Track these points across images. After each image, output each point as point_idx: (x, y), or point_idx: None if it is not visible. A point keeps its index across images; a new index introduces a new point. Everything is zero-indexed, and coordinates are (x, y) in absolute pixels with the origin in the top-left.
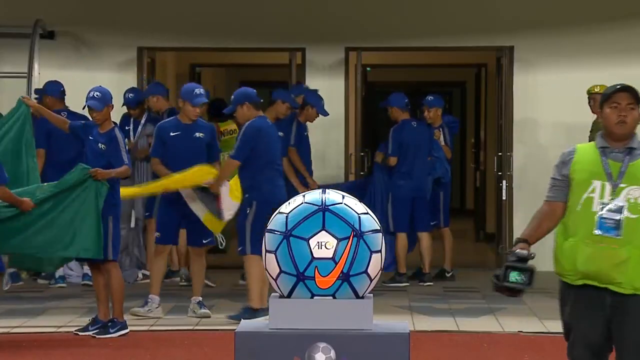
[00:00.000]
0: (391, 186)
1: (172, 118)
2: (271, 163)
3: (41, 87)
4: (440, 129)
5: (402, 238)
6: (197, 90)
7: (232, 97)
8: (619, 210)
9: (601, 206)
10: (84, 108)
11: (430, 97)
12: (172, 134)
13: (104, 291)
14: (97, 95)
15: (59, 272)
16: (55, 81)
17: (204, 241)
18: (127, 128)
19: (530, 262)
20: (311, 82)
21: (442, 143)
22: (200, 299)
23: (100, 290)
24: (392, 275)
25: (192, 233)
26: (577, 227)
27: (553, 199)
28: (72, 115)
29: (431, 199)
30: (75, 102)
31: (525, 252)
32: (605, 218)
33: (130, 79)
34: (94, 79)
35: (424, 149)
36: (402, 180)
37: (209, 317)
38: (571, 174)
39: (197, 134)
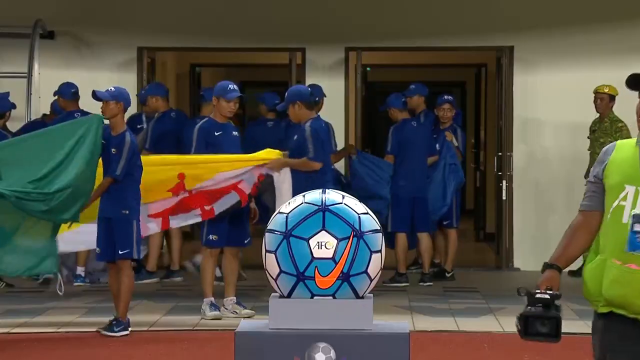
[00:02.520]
0: (391, 186)
1: (206, 119)
2: (323, 166)
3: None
4: (453, 131)
5: (401, 238)
6: (230, 86)
7: (286, 95)
8: None
9: (633, 218)
10: (93, 96)
11: (451, 97)
12: (216, 133)
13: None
14: (111, 89)
15: (78, 270)
16: (69, 82)
17: (245, 241)
18: (138, 127)
19: (556, 304)
20: (311, 82)
21: (455, 144)
22: (236, 298)
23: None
24: (392, 275)
25: (235, 232)
26: (605, 242)
27: (587, 207)
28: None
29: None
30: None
31: (547, 295)
32: (637, 232)
33: (130, 79)
34: (94, 79)
35: (424, 149)
36: (403, 180)
37: (253, 315)
38: (604, 177)
39: (235, 133)
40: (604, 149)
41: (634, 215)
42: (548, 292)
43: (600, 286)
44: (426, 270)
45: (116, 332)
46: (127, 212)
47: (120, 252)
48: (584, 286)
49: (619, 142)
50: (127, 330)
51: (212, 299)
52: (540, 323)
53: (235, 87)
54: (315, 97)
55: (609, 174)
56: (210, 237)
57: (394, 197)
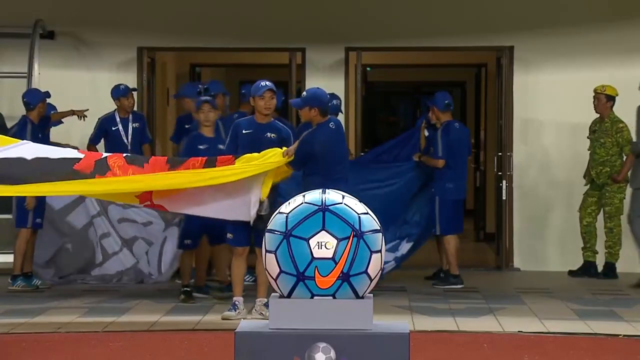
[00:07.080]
0: (439, 189)
1: (249, 116)
2: (333, 168)
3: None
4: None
5: (453, 240)
6: (262, 83)
7: (304, 94)
8: None
9: None
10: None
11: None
12: (244, 131)
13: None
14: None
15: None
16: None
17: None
18: (186, 126)
19: None
20: (311, 82)
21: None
22: (266, 299)
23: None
24: (434, 274)
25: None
26: None
27: None
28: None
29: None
30: (76, 101)
31: None
32: None
33: (130, 79)
34: (94, 79)
35: (466, 150)
36: (451, 182)
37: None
38: None
39: (269, 134)
40: None
41: None
42: None
43: None
44: (454, 271)
45: None
46: None
47: None
48: None
49: None
50: None
51: (240, 298)
52: None
53: (267, 82)
54: (332, 102)
55: None
56: (228, 235)
57: (442, 201)
